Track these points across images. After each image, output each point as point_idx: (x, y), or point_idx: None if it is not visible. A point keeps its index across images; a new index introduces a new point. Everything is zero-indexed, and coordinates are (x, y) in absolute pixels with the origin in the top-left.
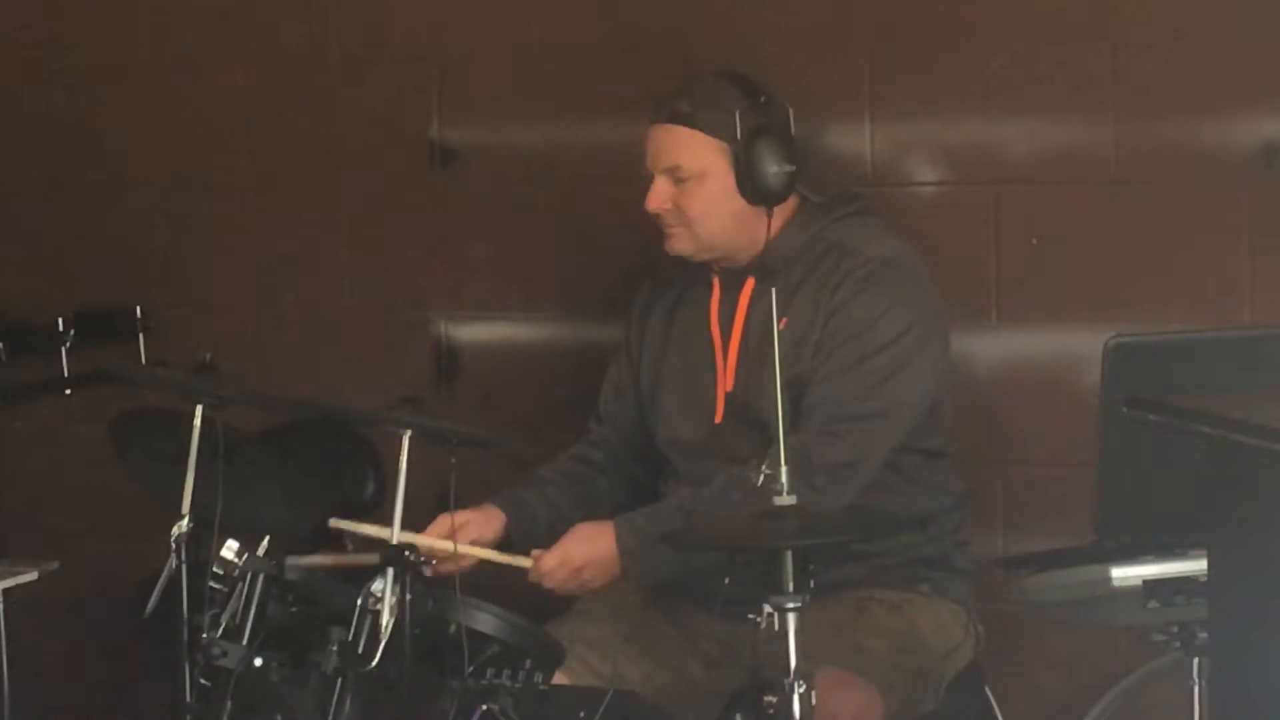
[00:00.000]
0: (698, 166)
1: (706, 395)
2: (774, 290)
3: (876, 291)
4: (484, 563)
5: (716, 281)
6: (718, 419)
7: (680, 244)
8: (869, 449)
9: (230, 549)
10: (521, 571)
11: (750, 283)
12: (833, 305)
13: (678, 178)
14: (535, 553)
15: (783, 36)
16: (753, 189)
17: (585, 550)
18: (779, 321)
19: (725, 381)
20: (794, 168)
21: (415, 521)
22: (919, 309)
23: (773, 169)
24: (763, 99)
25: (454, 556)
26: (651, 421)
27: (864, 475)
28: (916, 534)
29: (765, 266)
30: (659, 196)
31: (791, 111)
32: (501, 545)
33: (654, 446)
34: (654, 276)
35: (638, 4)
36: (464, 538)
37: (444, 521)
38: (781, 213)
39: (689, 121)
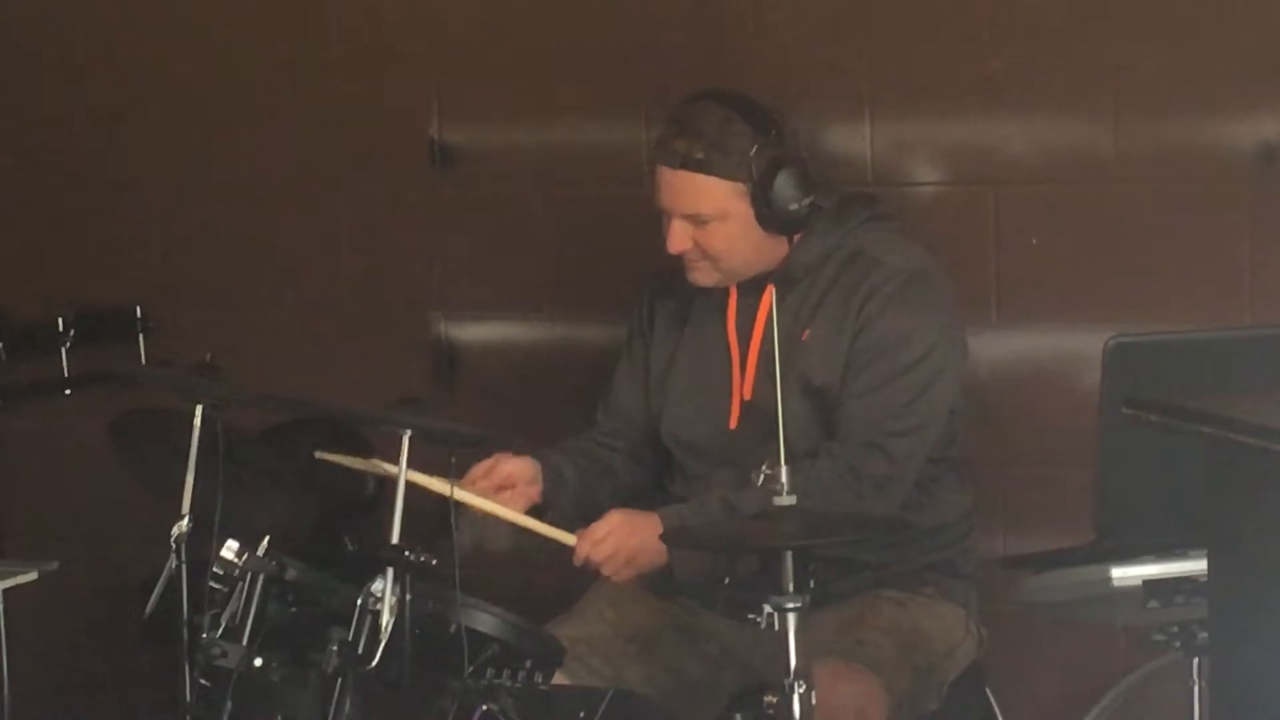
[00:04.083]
0: (718, 210)
1: (720, 401)
2: (774, 295)
3: (906, 306)
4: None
5: (733, 288)
6: (732, 425)
7: (704, 277)
8: (908, 462)
9: (230, 549)
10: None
11: (769, 290)
12: (862, 320)
13: (698, 221)
14: (580, 530)
15: (782, 37)
16: (775, 223)
17: (630, 520)
18: (803, 332)
19: (743, 389)
20: (812, 197)
21: (415, 524)
22: (945, 321)
23: (793, 204)
24: (773, 131)
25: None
26: (657, 418)
27: (904, 487)
28: (925, 541)
29: (787, 276)
30: (679, 240)
31: (798, 133)
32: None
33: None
34: (661, 273)
35: (638, 4)
36: (499, 473)
37: (483, 467)
38: None
39: (704, 168)
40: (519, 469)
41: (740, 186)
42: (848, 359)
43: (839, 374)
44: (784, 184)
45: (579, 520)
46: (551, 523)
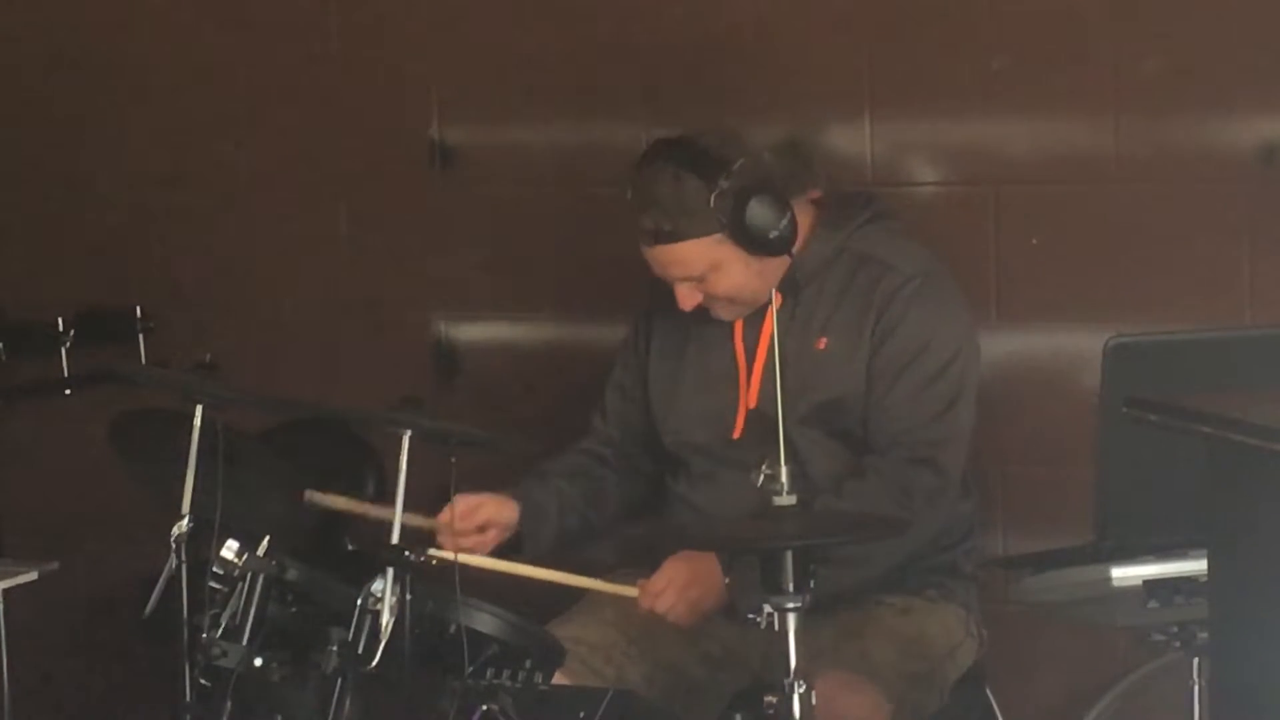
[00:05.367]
0: (708, 265)
1: (726, 409)
2: (778, 302)
3: (926, 309)
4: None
5: None
6: (736, 434)
7: (729, 314)
8: (953, 472)
9: (230, 549)
10: (629, 600)
11: (776, 298)
12: (883, 328)
13: (697, 279)
14: (640, 582)
15: (783, 37)
16: (767, 249)
17: (689, 567)
18: (818, 341)
19: (749, 397)
20: (790, 213)
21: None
22: (963, 322)
23: (773, 231)
24: (724, 173)
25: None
26: (661, 425)
27: (950, 500)
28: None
29: (792, 282)
30: (689, 299)
31: (751, 159)
32: (510, 540)
33: (661, 444)
34: (661, 284)
35: (638, 3)
36: (480, 516)
37: (457, 503)
38: (800, 223)
39: (675, 237)
40: (499, 513)
41: (717, 237)
42: (872, 369)
43: (860, 384)
44: (755, 216)
45: (558, 551)
46: (528, 558)
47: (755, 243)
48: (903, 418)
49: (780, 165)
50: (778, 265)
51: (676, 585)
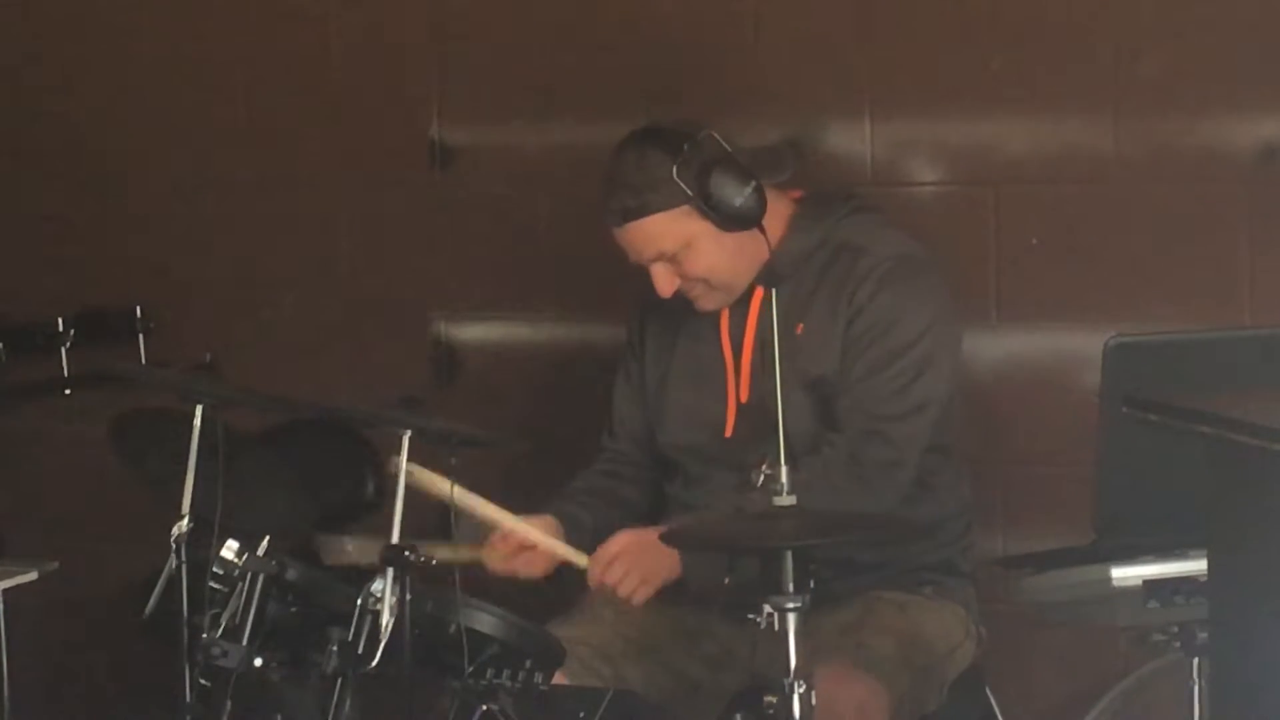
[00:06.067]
0: (680, 240)
1: (716, 407)
2: (767, 294)
3: (896, 290)
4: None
5: None
6: (728, 432)
7: (709, 303)
8: (907, 448)
9: (230, 549)
10: (579, 573)
11: (759, 292)
12: (854, 307)
13: (670, 258)
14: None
15: (783, 37)
16: (736, 222)
17: (639, 539)
18: (796, 327)
19: (740, 393)
20: (755, 181)
21: (415, 523)
22: (936, 304)
23: (739, 198)
24: (685, 145)
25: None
26: (656, 427)
27: (906, 474)
28: (924, 540)
29: (773, 274)
30: (666, 282)
31: (714, 133)
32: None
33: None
34: (650, 291)
35: (637, 4)
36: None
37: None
38: (778, 215)
39: (642, 212)
40: (542, 528)
41: (683, 209)
42: (843, 347)
43: (836, 363)
44: (719, 184)
45: None
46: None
47: (722, 213)
48: (861, 393)
49: (748, 148)
50: (753, 247)
51: (628, 555)
